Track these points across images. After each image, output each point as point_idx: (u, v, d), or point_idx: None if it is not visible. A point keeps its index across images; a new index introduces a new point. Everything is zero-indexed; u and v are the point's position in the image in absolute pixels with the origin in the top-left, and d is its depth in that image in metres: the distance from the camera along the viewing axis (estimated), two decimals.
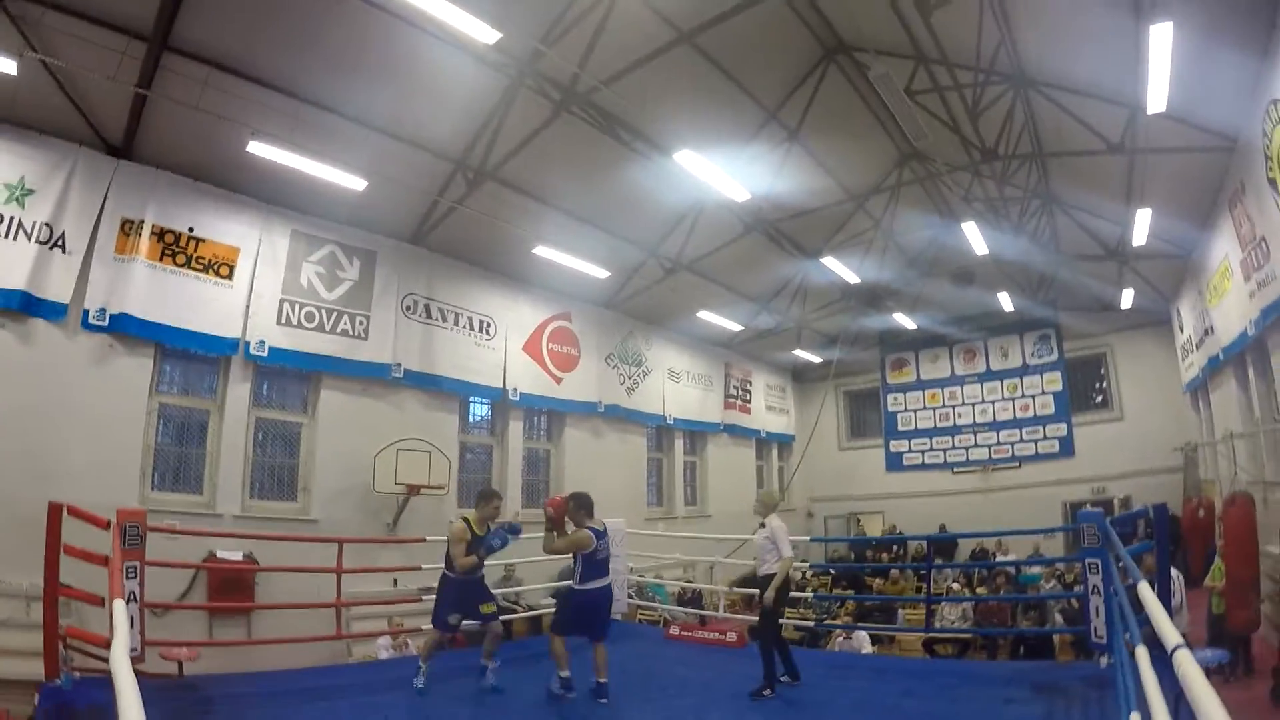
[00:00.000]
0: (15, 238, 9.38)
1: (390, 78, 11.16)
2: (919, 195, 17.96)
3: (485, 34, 8.63)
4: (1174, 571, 9.38)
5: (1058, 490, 20.71)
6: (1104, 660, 7.61)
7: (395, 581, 12.26)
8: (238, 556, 10.54)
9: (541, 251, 14.33)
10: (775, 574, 7.84)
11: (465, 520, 7.76)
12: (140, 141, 10.50)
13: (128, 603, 5.52)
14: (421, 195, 13.20)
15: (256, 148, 10.16)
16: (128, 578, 6.55)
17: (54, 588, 6.57)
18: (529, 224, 14.14)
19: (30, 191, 9.54)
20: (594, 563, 7.39)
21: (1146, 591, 4.72)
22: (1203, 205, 12.81)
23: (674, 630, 11.43)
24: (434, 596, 8.08)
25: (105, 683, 5.88)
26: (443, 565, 7.90)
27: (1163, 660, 3.19)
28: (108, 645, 5.79)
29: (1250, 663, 9.79)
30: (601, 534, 7.50)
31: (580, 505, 7.52)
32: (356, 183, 11.27)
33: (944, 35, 11.37)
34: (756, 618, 8.56)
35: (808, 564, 18.91)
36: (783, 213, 16.68)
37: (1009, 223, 16.37)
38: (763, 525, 8.25)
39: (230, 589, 10.47)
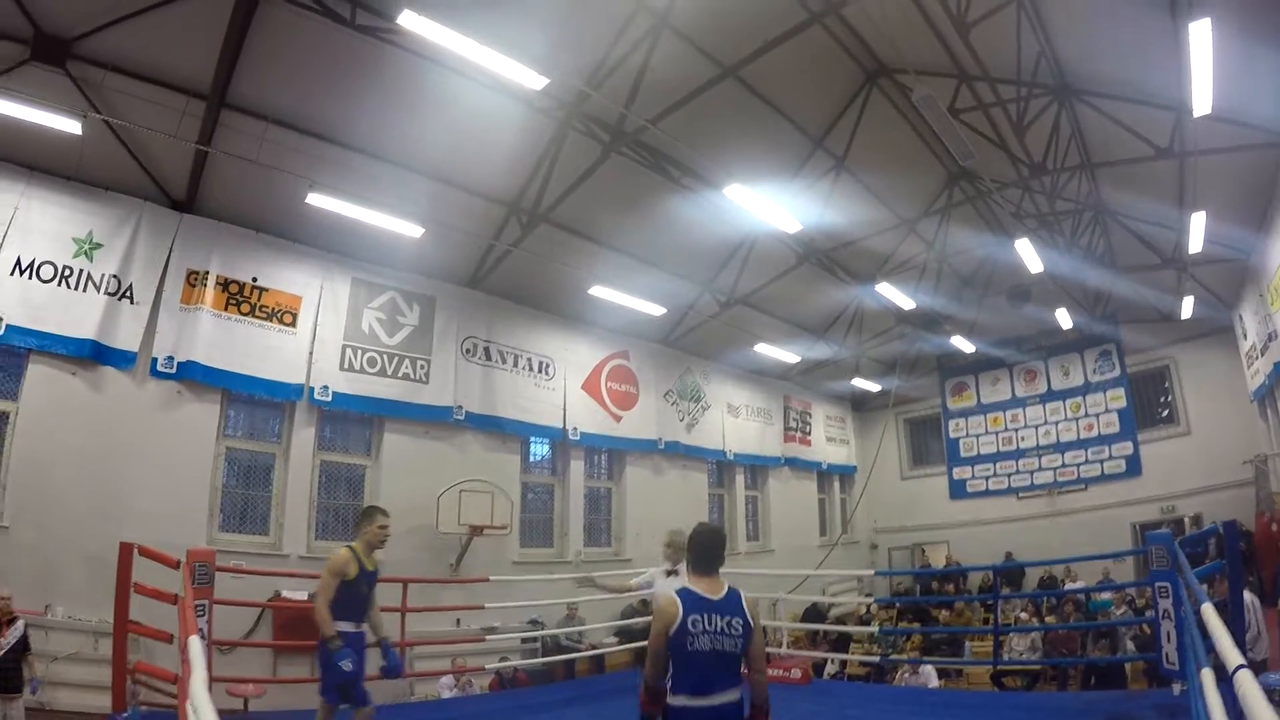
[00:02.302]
0: (85, 289, 9.79)
1: (442, 126, 11.47)
2: (970, 215, 17.85)
3: (533, 80, 8.83)
4: (1248, 596, 9.05)
5: (1126, 511, 20.02)
6: (1177, 688, 7.40)
7: (458, 621, 12.33)
8: (303, 596, 10.64)
9: (597, 291, 14.47)
10: None
11: (350, 549, 6.10)
12: (203, 195, 10.93)
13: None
14: (477, 240, 13.47)
15: (315, 199, 10.50)
16: (197, 615, 6.70)
17: (123, 624, 6.75)
18: (584, 264, 14.32)
19: (98, 245, 9.97)
20: (688, 656, 4.01)
21: (1210, 614, 4.62)
22: (1258, 205, 12.56)
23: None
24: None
25: (171, 717, 6.07)
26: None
27: (1230, 684, 3.14)
28: (174, 680, 5.97)
29: None
30: (709, 603, 4.10)
31: (687, 548, 4.46)
32: (413, 230, 11.56)
33: (983, 51, 11.35)
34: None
35: (871, 598, 18.68)
36: (834, 241, 16.69)
37: (1062, 237, 16.15)
38: (674, 573, 7.15)
39: (295, 628, 10.57)
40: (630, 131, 12.35)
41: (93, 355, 9.77)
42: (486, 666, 11.51)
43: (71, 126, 8.70)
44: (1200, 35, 7.82)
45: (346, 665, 5.67)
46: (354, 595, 6.03)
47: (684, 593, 4.16)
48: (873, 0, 10.53)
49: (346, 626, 5.94)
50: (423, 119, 11.29)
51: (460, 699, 10.58)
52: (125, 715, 6.46)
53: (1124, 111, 11.83)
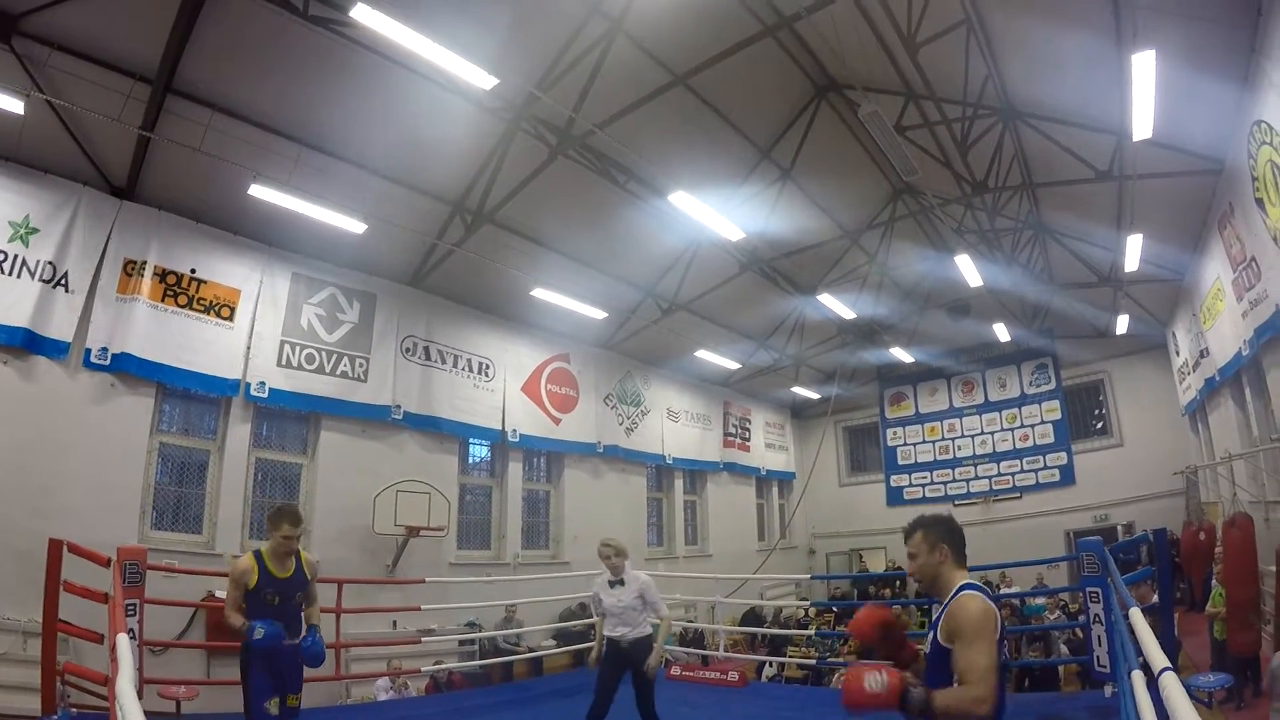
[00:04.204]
0: (19, 275, 9.44)
1: (390, 122, 11.33)
2: (912, 229, 18.13)
3: (482, 80, 8.74)
4: None
5: (1060, 519, 20.64)
6: (1109, 689, 7.61)
7: (395, 623, 12.21)
8: None
9: (539, 293, 14.38)
10: (651, 636, 6.83)
11: (257, 555, 5.60)
12: (144, 182, 10.63)
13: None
14: (420, 238, 13.29)
15: (258, 191, 10.25)
16: (127, 615, 6.55)
17: (53, 623, 6.59)
18: (526, 266, 14.23)
19: (35, 230, 9.62)
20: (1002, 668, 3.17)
21: (1138, 618, 4.75)
22: (1192, 228, 12.90)
23: (675, 670, 11.38)
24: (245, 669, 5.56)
25: (102, 719, 5.91)
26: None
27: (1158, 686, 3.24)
28: (105, 682, 5.84)
29: (1259, 685, 9.70)
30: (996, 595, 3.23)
31: (944, 537, 3.43)
32: (356, 226, 11.38)
33: (931, 71, 11.54)
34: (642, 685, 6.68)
35: (809, 602, 18.86)
36: (778, 250, 16.84)
37: (1002, 254, 16.49)
38: (619, 583, 6.83)
39: (228, 629, 10.40)
40: (578, 135, 12.31)
41: (25, 344, 9.42)
42: (423, 669, 11.42)
43: (14, 105, 8.38)
44: (1144, 66, 8.02)
45: (258, 632, 5.15)
46: (260, 605, 5.43)
47: (980, 588, 3.27)
48: (825, 16, 10.62)
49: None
50: (370, 114, 11.15)
51: (397, 701, 10.47)
52: (55, 718, 6.31)
53: (1066, 134, 12.07)
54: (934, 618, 3.35)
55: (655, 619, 6.92)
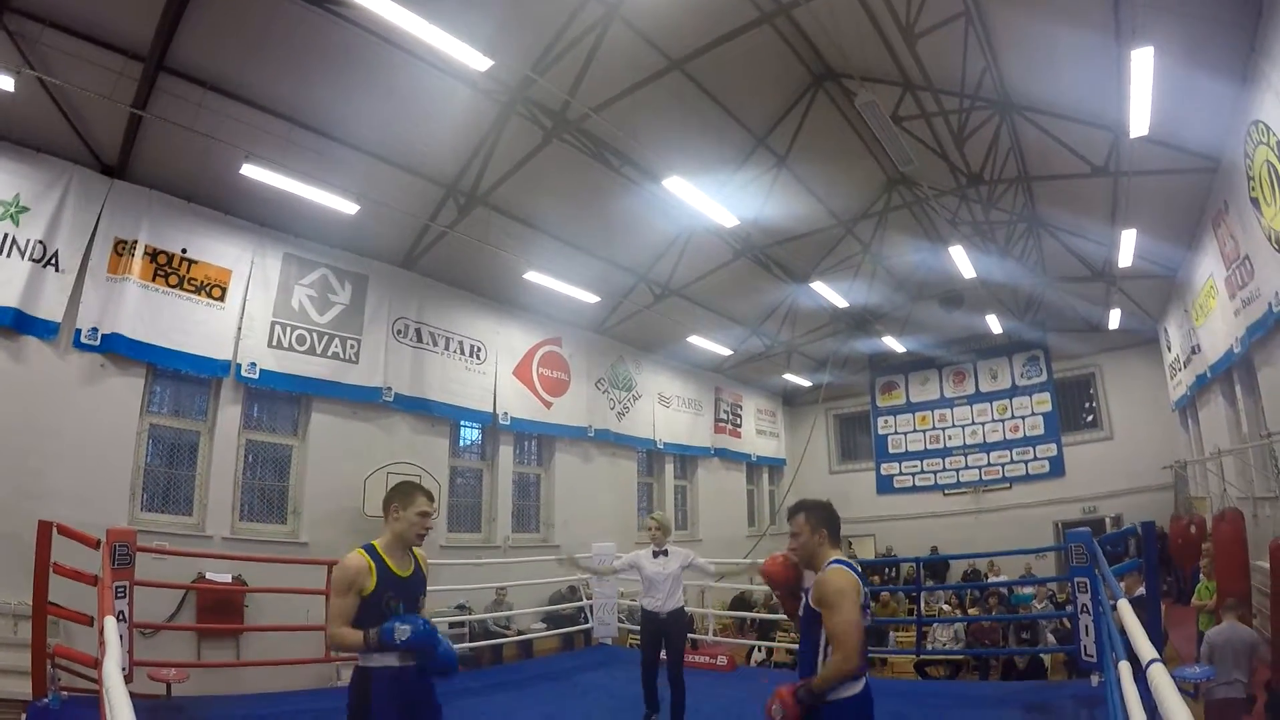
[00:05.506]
0: (9, 255, 9.34)
1: (383, 103, 11.25)
2: (907, 220, 18.08)
3: (478, 61, 8.66)
4: None
5: (1049, 510, 20.78)
6: (1095, 679, 7.67)
7: None
8: (227, 578, 10.48)
9: (532, 276, 14.33)
10: (684, 606, 7.57)
11: (370, 550, 4.16)
12: (135, 161, 10.52)
13: (117, 622, 5.52)
14: (413, 220, 13.23)
15: (250, 170, 10.16)
16: (117, 597, 6.55)
17: (43, 606, 6.58)
18: (519, 249, 14.17)
19: (25, 209, 9.51)
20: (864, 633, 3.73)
21: (1126, 608, 4.78)
22: (1187, 225, 12.95)
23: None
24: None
25: (93, 702, 5.94)
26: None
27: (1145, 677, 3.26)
28: (96, 664, 5.84)
29: None
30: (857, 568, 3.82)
31: (824, 521, 4.00)
32: (349, 206, 11.31)
33: (929, 62, 11.52)
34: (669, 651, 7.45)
35: None
36: (771, 238, 16.80)
37: (996, 246, 16.49)
38: (662, 553, 7.45)
39: (219, 611, 10.40)
40: (573, 119, 12.27)
41: (14, 324, 9.33)
42: None
43: (4, 83, 8.28)
44: (1142, 62, 8.00)
45: (402, 632, 3.87)
46: (377, 617, 3.97)
47: (845, 563, 3.79)
48: (822, 4, 10.57)
49: (387, 659, 3.99)
50: (364, 95, 11.06)
51: None
52: (46, 701, 6.31)
53: (1063, 129, 12.09)
54: (807, 586, 4.00)
55: (710, 580, 7.96)
